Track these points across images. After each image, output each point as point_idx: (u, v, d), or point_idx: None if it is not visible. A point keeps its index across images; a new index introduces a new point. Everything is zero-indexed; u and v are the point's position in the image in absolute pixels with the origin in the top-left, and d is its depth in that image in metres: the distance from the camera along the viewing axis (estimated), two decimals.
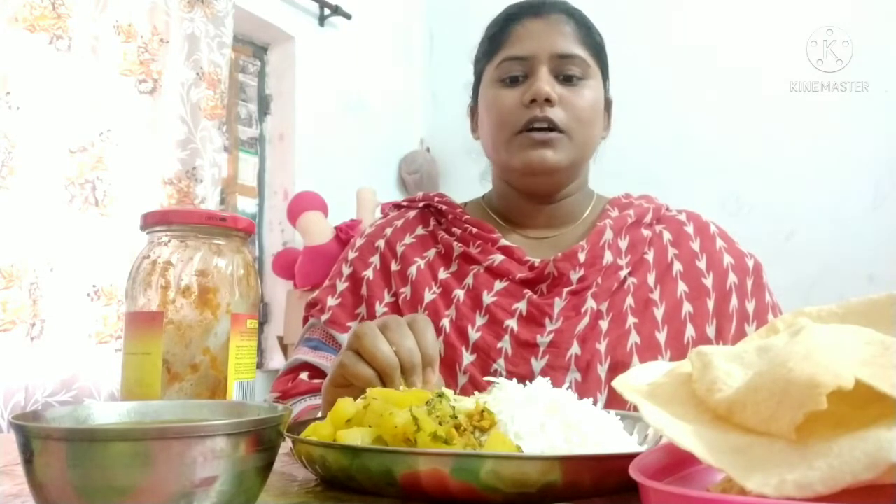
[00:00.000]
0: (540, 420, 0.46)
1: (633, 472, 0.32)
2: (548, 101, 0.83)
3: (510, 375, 0.79)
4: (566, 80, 0.85)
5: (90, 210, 1.74)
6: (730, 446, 0.30)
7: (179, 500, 0.33)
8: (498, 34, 0.90)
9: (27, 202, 1.61)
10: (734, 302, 0.86)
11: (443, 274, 0.88)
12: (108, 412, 0.42)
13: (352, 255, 0.94)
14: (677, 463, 0.38)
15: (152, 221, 0.58)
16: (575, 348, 0.79)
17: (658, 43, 2.58)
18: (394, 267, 0.90)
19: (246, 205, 2.57)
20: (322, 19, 2.69)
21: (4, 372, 1.54)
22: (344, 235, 2.32)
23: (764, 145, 2.39)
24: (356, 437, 0.45)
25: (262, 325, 2.52)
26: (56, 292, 1.65)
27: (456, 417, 0.45)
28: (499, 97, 0.87)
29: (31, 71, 1.63)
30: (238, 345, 0.56)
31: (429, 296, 0.86)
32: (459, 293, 0.85)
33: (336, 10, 2.69)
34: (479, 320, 0.83)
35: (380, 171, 2.93)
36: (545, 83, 0.83)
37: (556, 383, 0.77)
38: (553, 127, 0.84)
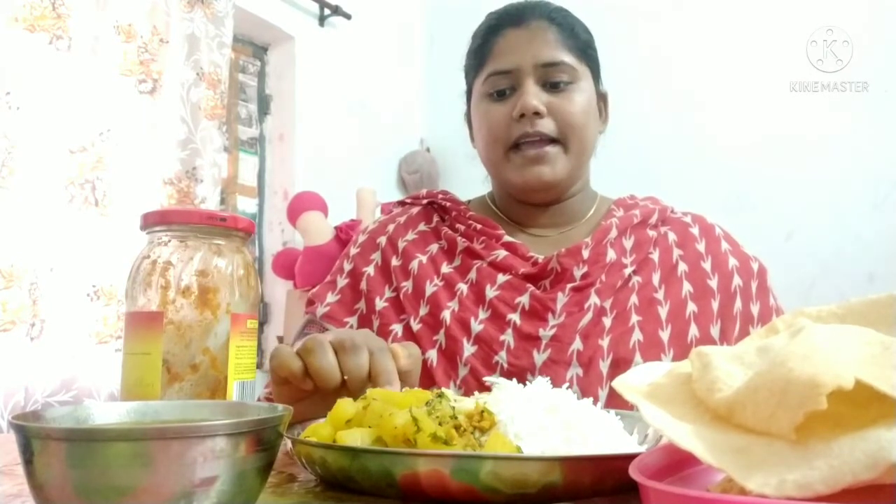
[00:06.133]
0: (540, 420, 0.46)
1: (633, 472, 0.32)
2: (536, 114, 0.83)
3: (512, 367, 0.79)
4: (553, 86, 0.85)
5: (90, 210, 1.74)
6: (730, 446, 0.30)
7: (179, 500, 0.33)
8: (482, 47, 0.90)
9: (27, 202, 1.60)
10: (738, 304, 0.86)
11: (445, 268, 0.88)
12: (108, 412, 0.42)
13: (353, 250, 0.95)
14: (677, 463, 0.38)
15: (152, 221, 0.58)
16: (577, 343, 0.79)
17: (659, 42, 2.58)
18: (394, 262, 0.90)
19: (246, 205, 2.57)
20: (322, 19, 2.69)
21: (4, 372, 1.54)
22: (344, 235, 2.32)
23: (764, 145, 2.39)
24: (356, 437, 0.45)
25: (262, 325, 2.52)
26: (56, 292, 1.65)
27: (456, 418, 0.45)
28: (489, 113, 0.87)
29: (31, 71, 1.63)
30: (238, 345, 0.56)
31: (430, 288, 0.86)
32: (462, 287, 0.86)
33: (336, 10, 2.69)
34: (482, 314, 0.83)
35: (380, 171, 2.93)
36: (532, 96, 0.83)
37: (558, 378, 0.77)
38: (545, 137, 0.84)
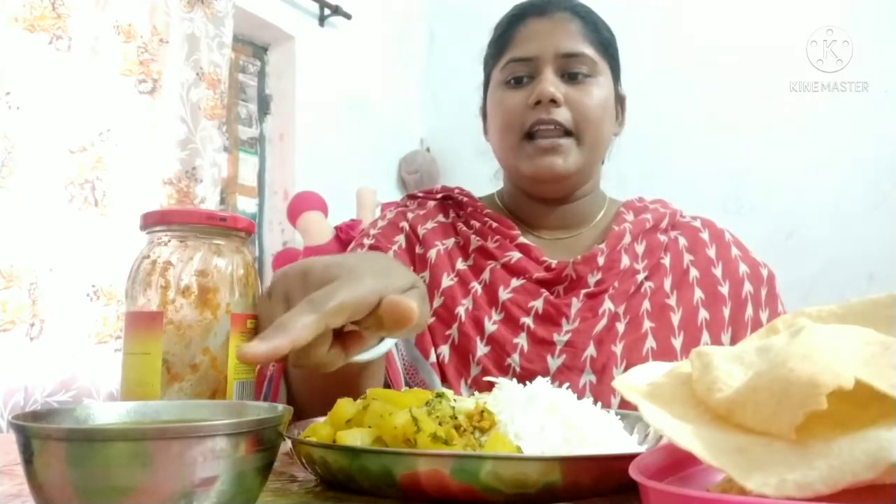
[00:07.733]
0: (540, 421, 0.46)
1: (633, 472, 0.32)
2: (553, 101, 0.82)
3: (524, 371, 0.79)
4: (572, 78, 0.84)
5: (90, 210, 1.74)
6: (730, 446, 0.30)
7: (179, 500, 0.33)
8: (503, 35, 0.89)
9: (27, 202, 1.60)
10: (749, 311, 0.85)
11: (460, 264, 0.87)
12: (108, 412, 0.42)
13: (374, 232, 0.92)
14: (677, 463, 0.38)
15: (152, 221, 0.58)
16: (591, 350, 0.79)
17: (658, 43, 2.58)
18: (418, 250, 0.89)
19: (246, 205, 2.56)
20: (322, 19, 2.69)
21: (4, 372, 1.53)
22: (344, 235, 2.32)
23: (764, 145, 2.39)
24: (356, 437, 0.45)
25: None
26: (56, 292, 1.65)
27: (456, 418, 0.45)
28: (504, 99, 0.86)
29: (31, 71, 1.63)
30: (238, 345, 0.56)
31: (447, 281, 0.85)
32: (476, 286, 0.85)
33: (336, 10, 2.69)
34: (495, 316, 0.83)
35: (380, 171, 2.93)
36: (549, 84, 0.82)
37: (571, 385, 0.77)
38: (560, 127, 0.83)
